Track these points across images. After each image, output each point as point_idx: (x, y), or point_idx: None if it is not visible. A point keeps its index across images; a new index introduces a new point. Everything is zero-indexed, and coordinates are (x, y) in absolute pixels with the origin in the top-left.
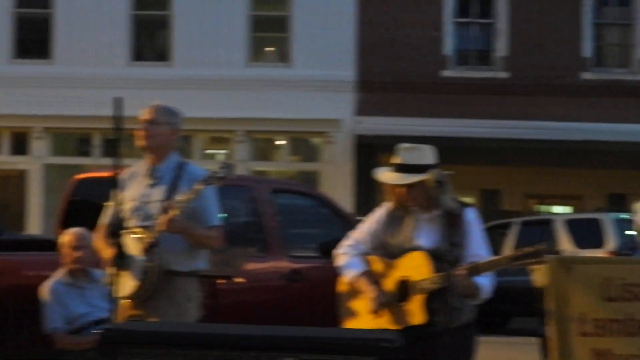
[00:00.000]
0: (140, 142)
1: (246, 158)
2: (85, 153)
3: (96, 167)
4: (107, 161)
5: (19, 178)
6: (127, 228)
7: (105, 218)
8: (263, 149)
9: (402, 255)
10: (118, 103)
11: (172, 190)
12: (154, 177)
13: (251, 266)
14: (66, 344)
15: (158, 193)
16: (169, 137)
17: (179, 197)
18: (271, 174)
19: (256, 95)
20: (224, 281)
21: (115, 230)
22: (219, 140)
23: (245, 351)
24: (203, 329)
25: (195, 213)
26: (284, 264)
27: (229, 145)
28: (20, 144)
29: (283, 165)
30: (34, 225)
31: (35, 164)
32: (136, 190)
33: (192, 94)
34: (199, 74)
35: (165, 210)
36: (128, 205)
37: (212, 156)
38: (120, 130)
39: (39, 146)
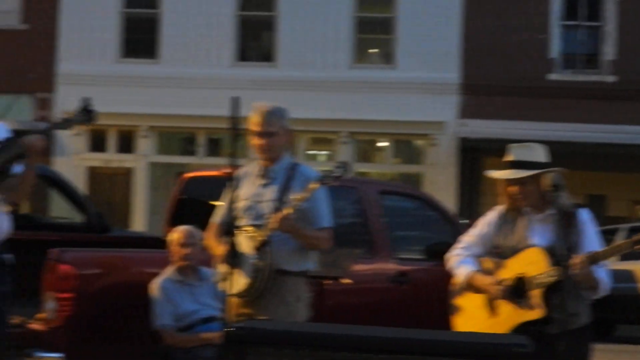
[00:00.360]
0: (260, 155)
1: (349, 159)
2: (190, 152)
3: (200, 166)
4: (212, 160)
5: (124, 176)
6: (239, 227)
7: (218, 216)
8: (365, 151)
9: (515, 255)
10: (235, 103)
11: (284, 190)
12: (267, 177)
13: (358, 267)
14: (174, 341)
15: (270, 193)
16: (283, 141)
17: (293, 196)
18: (373, 175)
19: (360, 96)
20: (330, 282)
21: (228, 228)
22: (321, 141)
23: (374, 354)
24: (331, 330)
25: (306, 214)
26: (390, 266)
27: (331, 147)
28: (126, 143)
29: (385, 167)
30: (139, 223)
31: (140, 162)
32: (249, 189)
33: (296, 94)
34: (303, 75)
35: (279, 209)
36: (240, 204)
37: (314, 157)
38: (236, 129)
39: (145, 145)
